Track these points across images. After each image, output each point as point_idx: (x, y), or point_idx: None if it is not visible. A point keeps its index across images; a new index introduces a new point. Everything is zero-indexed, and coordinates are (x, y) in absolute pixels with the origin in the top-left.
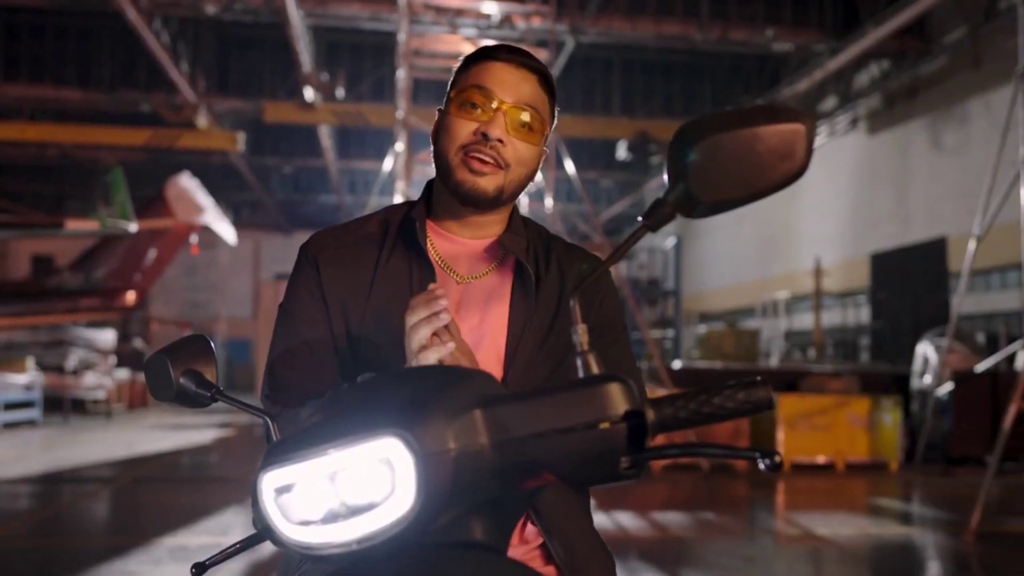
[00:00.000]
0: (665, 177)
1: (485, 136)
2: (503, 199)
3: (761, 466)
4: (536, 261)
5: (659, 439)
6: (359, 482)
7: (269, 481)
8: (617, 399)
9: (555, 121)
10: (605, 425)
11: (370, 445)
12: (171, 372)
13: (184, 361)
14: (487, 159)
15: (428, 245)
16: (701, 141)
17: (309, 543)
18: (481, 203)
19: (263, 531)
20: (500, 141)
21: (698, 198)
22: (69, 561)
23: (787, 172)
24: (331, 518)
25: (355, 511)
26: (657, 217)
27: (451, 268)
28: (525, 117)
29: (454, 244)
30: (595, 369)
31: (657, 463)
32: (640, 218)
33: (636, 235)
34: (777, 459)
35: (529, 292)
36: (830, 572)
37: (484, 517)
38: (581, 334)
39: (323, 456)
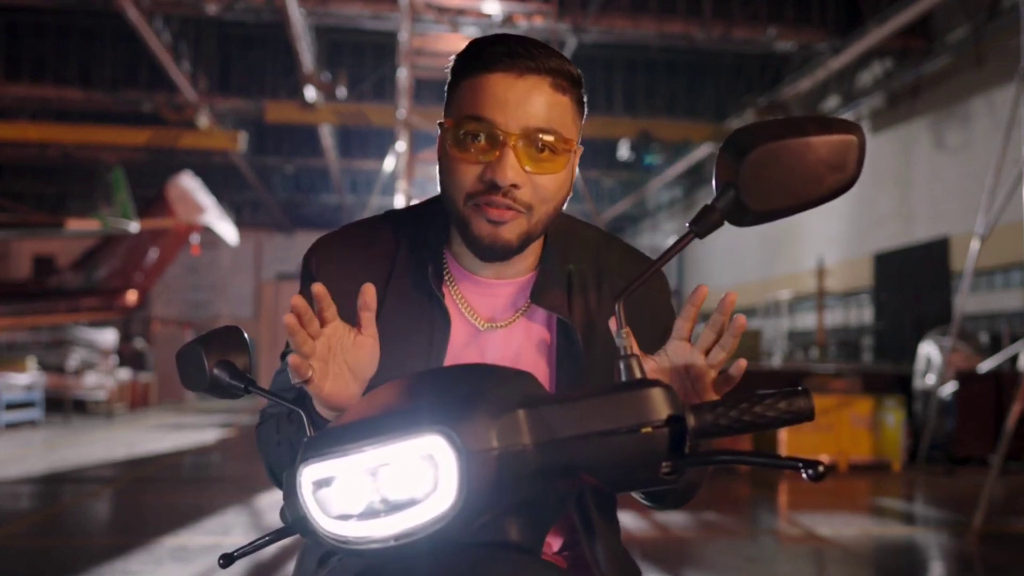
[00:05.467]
0: (714, 183)
1: (494, 185)
2: (532, 239)
3: (804, 476)
4: (584, 301)
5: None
6: (400, 478)
7: (309, 474)
8: (659, 404)
9: (584, 112)
10: (647, 429)
11: (413, 442)
12: (205, 362)
13: (218, 352)
14: (502, 206)
15: (446, 280)
16: (752, 149)
17: (346, 537)
18: (504, 256)
19: (295, 524)
20: (514, 186)
21: (748, 206)
22: (70, 561)
23: (837, 183)
24: (370, 513)
25: (395, 507)
26: (705, 224)
27: (473, 311)
28: (542, 141)
29: (476, 284)
30: (638, 373)
31: None
32: (688, 224)
33: (683, 241)
34: (821, 469)
35: (574, 344)
36: (833, 572)
37: (520, 518)
38: (625, 337)
39: (365, 451)
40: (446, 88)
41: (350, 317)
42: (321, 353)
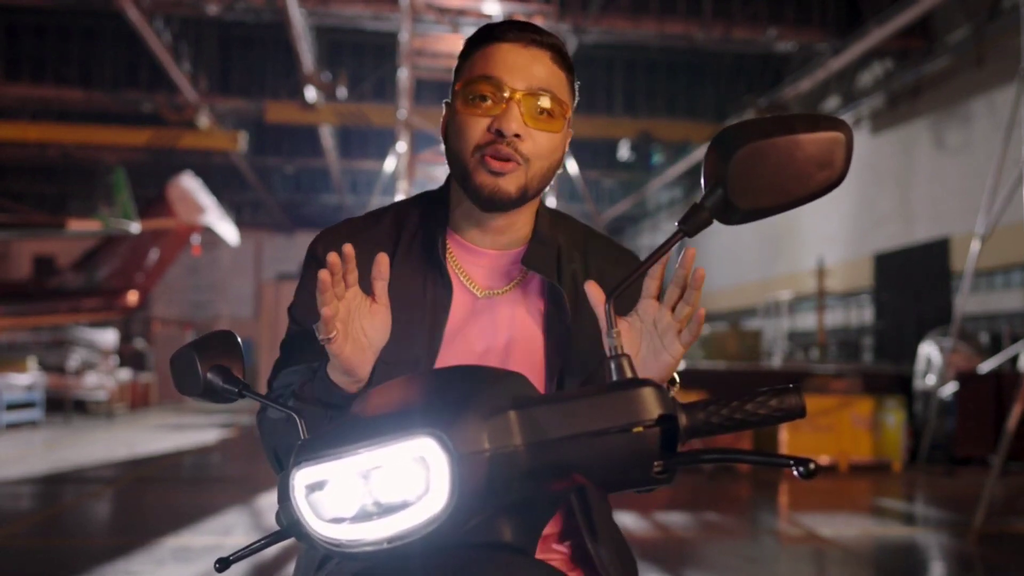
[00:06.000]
0: (703, 182)
1: (500, 133)
2: (528, 197)
3: (796, 473)
4: (572, 273)
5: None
6: (393, 481)
7: (301, 478)
8: (651, 403)
9: (576, 98)
10: (638, 429)
11: (405, 444)
12: (199, 367)
13: (212, 356)
14: (504, 157)
15: (448, 254)
16: (740, 147)
17: (340, 540)
18: (504, 206)
19: (289, 527)
20: (517, 136)
21: (736, 204)
22: (72, 561)
23: (825, 180)
24: (363, 516)
25: (388, 510)
26: (694, 223)
27: (472, 280)
28: (543, 103)
29: (476, 256)
30: (629, 373)
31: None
32: (677, 223)
33: (672, 240)
34: (812, 466)
35: (562, 308)
36: (833, 573)
37: (513, 518)
38: (615, 338)
39: (357, 454)
40: (458, 59)
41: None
42: (342, 316)
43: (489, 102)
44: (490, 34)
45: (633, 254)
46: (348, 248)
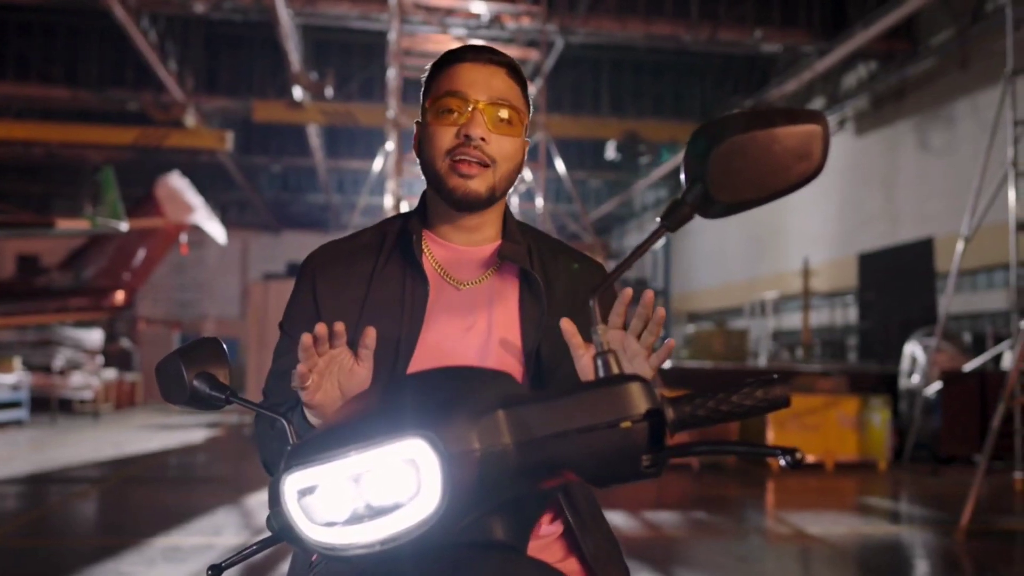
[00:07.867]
0: (683, 177)
1: (468, 137)
2: (496, 197)
3: (782, 462)
4: (543, 264)
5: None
6: (384, 483)
7: (292, 483)
8: (638, 398)
9: (531, 110)
10: (626, 424)
11: (395, 446)
12: (185, 375)
13: (197, 363)
14: (473, 159)
15: (427, 254)
16: (719, 142)
17: (332, 544)
18: (475, 205)
19: (281, 532)
20: (483, 139)
21: (716, 198)
22: (62, 562)
23: (804, 172)
24: (355, 519)
25: (380, 512)
26: (676, 217)
27: (450, 275)
28: (503, 113)
29: (452, 252)
30: (615, 369)
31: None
32: (658, 218)
33: (655, 235)
34: (798, 456)
35: (538, 295)
36: (821, 571)
37: (504, 517)
38: (601, 334)
39: (347, 457)
40: (423, 84)
41: (343, 304)
42: (320, 368)
43: (456, 114)
44: (452, 56)
45: (597, 261)
46: (339, 326)
